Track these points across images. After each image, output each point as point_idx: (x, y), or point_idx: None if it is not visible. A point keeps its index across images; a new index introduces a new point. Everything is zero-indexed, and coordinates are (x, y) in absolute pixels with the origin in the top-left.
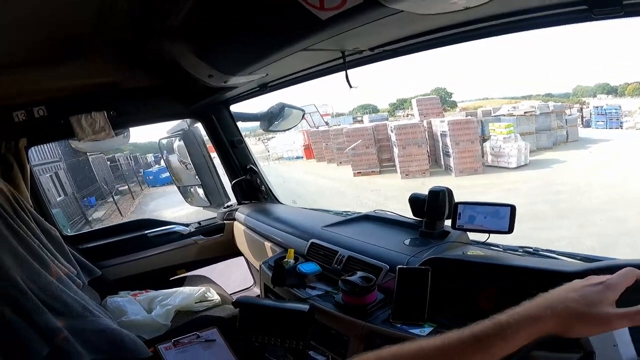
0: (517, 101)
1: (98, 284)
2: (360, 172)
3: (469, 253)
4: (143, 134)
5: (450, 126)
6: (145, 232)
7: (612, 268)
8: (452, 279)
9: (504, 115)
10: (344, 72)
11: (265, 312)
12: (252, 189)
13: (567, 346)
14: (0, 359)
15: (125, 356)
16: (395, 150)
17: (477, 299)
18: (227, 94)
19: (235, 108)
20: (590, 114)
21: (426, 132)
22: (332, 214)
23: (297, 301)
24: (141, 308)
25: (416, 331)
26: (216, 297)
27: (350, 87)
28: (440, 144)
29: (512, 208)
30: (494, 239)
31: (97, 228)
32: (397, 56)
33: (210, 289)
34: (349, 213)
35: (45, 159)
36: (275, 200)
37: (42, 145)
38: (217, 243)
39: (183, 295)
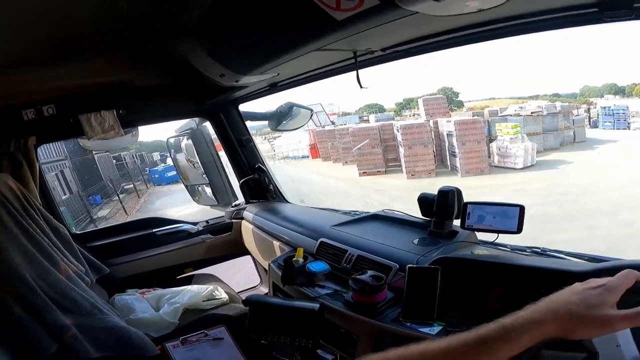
0: (524, 101)
1: (106, 282)
2: (365, 172)
3: (476, 253)
4: (149, 133)
5: (456, 126)
6: (154, 230)
7: (619, 268)
8: (462, 278)
9: (511, 116)
10: (352, 72)
11: (275, 311)
12: (260, 188)
13: (572, 346)
14: (9, 356)
15: (133, 354)
16: (401, 150)
17: (486, 298)
18: (236, 93)
19: (243, 107)
20: (598, 114)
21: (432, 132)
22: (341, 214)
23: (307, 300)
24: (149, 306)
25: (425, 330)
26: (224, 296)
27: (361, 87)
28: (447, 144)
29: (521, 208)
30: (502, 239)
31: (105, 226)
32: (408, 56)
33: (218, 287)
34: (358, 212)
35: (51, 157)
36: (283, 199)
37: (48, 144)
38: (224, 242)
39: (191, 293)
